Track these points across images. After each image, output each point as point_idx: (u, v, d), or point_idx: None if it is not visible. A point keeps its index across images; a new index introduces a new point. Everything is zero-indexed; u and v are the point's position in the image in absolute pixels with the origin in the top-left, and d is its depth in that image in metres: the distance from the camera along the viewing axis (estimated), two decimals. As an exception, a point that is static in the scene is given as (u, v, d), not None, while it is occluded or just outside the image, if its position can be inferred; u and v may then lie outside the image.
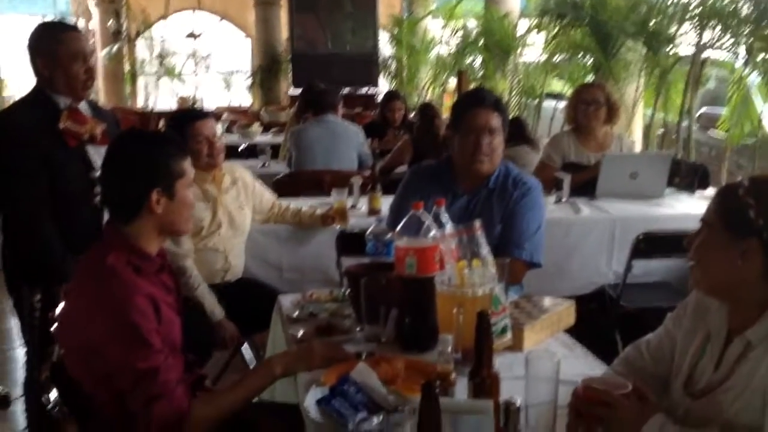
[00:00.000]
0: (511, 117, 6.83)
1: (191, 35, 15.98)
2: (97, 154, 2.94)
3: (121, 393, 1.86)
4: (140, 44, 15.83)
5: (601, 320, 3.77)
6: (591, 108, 4.60)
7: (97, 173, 2.91)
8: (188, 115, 3.63)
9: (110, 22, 14.57)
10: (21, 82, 14.95)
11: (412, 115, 7.13)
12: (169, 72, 15.95)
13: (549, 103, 9.81)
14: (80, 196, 2.91)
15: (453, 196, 3.02)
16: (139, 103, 15.76)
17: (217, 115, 10.09)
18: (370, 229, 2.67)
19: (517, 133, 5.56)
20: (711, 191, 4.82)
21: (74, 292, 2.00)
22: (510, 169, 3.09)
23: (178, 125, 3.51)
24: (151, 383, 1.85)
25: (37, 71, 2.94)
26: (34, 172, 2.81)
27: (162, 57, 15.77)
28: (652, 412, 1.63)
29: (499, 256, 2.73)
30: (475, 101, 3.04)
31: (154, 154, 2.03)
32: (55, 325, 2.08)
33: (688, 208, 4.25)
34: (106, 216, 2.91)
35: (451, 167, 3.10)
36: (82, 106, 3.01)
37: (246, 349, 3.67)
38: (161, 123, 8.26)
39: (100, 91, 14.75)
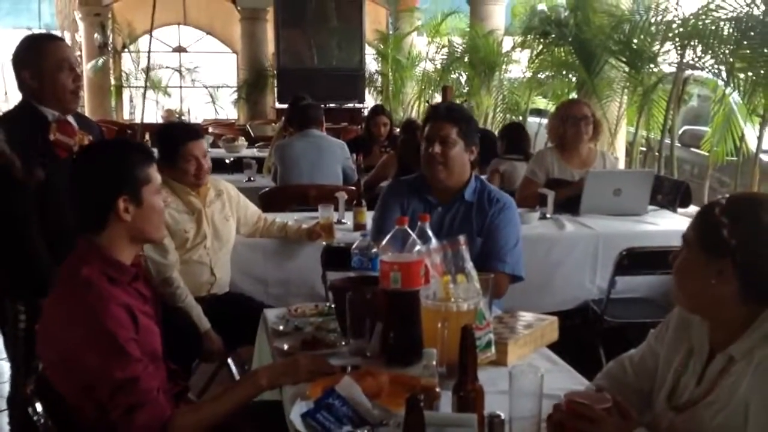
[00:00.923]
0: (509, 123, 6.81)
1: (178, 49, 16.00)
2: None
3: (102, 403, 1.86)
4: (126, 57, 15.83)
5: (584, 335, 3.80)
6: (582, 123, 4.62)
7: None
8: (181, 134, 3.59)
9: (96, 36, 14.56)
10: (6, 94, 14.90)
11: (397, 130, 7.17)
12: (155, 85, 15.94)
13: (533, 120, 9.89)
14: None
15: (429, 207, 3.13)
16: (125, 116, 15.74)
17: (202, 129, 10.11)
18: (355, 244, 2.68)
19: (515, 143, 5.55)
20: (693, 208, 4.87)
21: (51, 304, 1.99)
22: (485, 185, 3.20)
23: (170, 142, 3.51)
24: (130, 392, 1.85)
25: (24, 84, 2.93)
26: (22, 184, 2.80)
27: (148, 70, 15.77)
28: (633, 427, 1.65)
29: (481, 270, 2.78)
30: (431, 114, 3.21)
31: (117, 162, 2.03)
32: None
33: (671, 224, 4.29)
34: None
35: (426, 180, 3.19)
36: (70, 118, 3.00)
37: (232, 363, 3.66)
38: (146, 136, 8.27)
39: (85, 104, 14.72)
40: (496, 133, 6.29)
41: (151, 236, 2.11)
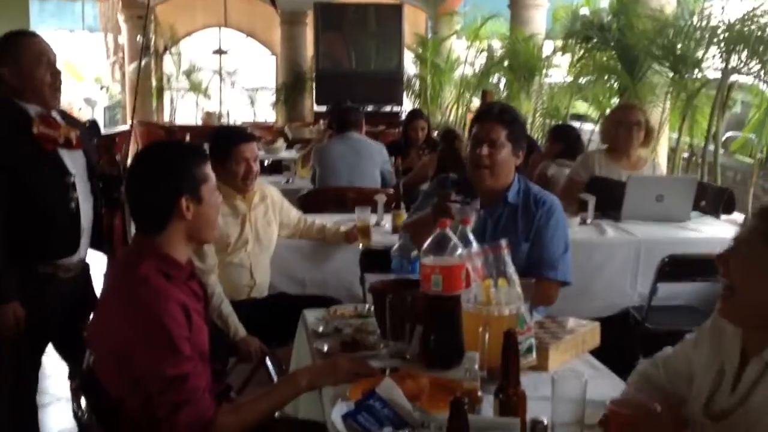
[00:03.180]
0: (562, 125, 6.66)
1: (218, 51, 16.15)
2: (71, 159, 2.96)
3: (149, 398, 1.88)
4: (167, 60, 16.01)
5: (625, 342, 3.74)
6: (635, 129, 4.61)
7: (73, 178, 2.93)
8: (233, 136, 3.63)
9: (138, 37, 14.74)
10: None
11: (435, 134, 7.16)
12: (195, 88, 16.11)
13: (574, 125, 9.78)
14: (56, 202, 2.90)
15: None
16: (165, 117, 15.92)
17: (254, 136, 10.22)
18: (395, 247, 2.68)
19: (571, 148, 5.47)
20: (736, 215, 4.80)
21: (106, 299, 2.03)
22: (528, 185, 3.12)
23: (222, 143, 3.54)
24: (179, 389, 1.86)
25: (3, 81, 2.90)
26: None
27: (189, 73, 15.94)
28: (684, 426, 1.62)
29: (532, 277, 2.75)
30: (480, 114, 3.11)
31: (176, 163, 2.07)
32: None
33: (714, 231, 4.23)
34: (83, 220, 2.93)
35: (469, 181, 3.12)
36: (53, 113, 2.98)
37: (269, 363, 3.68)
38: (187, 137, 8.37)
39: (126, 105, 14.92)
40: (548, 132, 6.21)
41: (206, 235, 2.14)
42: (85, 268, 3.12)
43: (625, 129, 4.63)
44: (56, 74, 2.94)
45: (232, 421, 1.93)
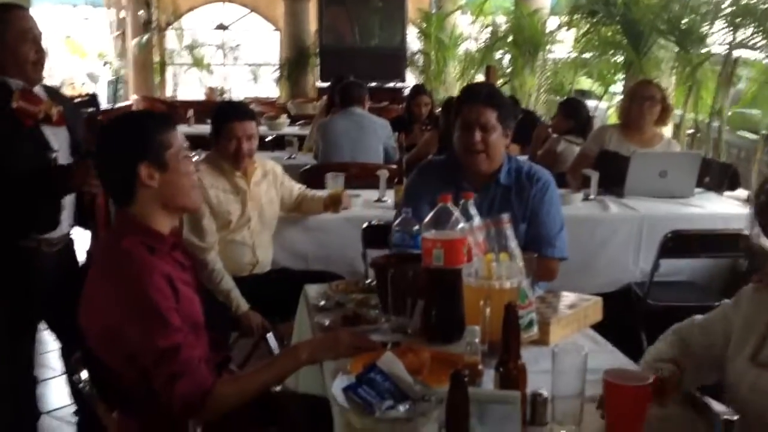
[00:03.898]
0: (573, 100, 6.56)
1: (220, 27, 16.06)
2: (53, 135, 2.93)
3: (145, 372, 1.89)
4: (170, 35, 15.92)
5: (626, 318, 3.75)
6: (646, 104, 4.57)
7: (55, 153, 2.90)
8: (228, 112, 3.58)
9: (141, 12, 14.66)
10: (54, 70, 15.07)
11: (438, 110, 7.12)
12: (198, 63, 16.03)
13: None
14: (37, 177, 2.88)
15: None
16: (168, 93, 15.86)
17: (254, 112, 10.17)
18: (396, 221, 2.67)
19: (581, 125, 5.44)
20: (740, 192, 4.79)
21: (93, 276, 2.02)
22: (521, 164, 3.06)
23: (217, 118, 3.55)
24: (172, 361, 1.87)
25: None
26: None
27: (191, 48, 15.86)
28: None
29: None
30: (467, 96, 3.00)
31: (135, 130, 2.04)
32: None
33: (717, 208, 4.22)
34: (68, 195, 2.89)
35: (459, 163, 3.03)
36: (37, 89, 2.94)
37: (271, 338, 3.69)
38: (189, 113, 8.34)
39: (129, 81, 14.87)
40: (558, 106, 6.16)
41: (183, 202, 2.10)
42: (69, 243, 3.11)
43: (637, 103, 4.61)
44: (40, 52, 2.90)
45: (230, 391, 1.93)
